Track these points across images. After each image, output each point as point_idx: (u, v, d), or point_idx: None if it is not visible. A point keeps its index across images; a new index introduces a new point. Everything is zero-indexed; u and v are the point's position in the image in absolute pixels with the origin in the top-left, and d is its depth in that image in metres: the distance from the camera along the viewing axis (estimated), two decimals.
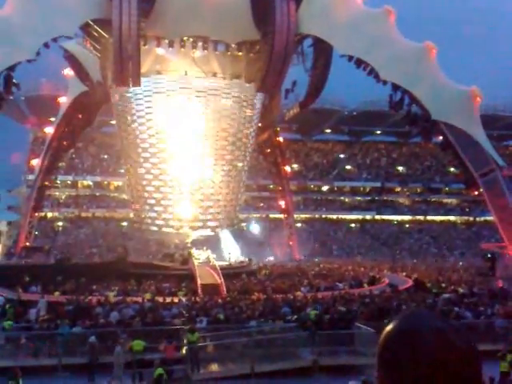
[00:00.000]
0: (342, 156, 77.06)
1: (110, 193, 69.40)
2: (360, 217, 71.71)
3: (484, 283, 33.77)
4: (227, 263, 41.77)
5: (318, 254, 58.79)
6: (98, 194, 68.72)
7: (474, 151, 31.03)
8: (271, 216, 66.38)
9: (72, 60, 39.27)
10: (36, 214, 51.31)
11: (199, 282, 31.28)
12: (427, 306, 23.18)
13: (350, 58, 30.97)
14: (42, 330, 19.75)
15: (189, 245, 40.94)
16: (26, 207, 52.44)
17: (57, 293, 28.63)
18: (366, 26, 31.40)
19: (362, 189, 74.48)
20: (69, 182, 67.69)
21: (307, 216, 69.68)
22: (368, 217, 71.97)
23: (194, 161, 37.39)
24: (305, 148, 76.75)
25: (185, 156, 37.08)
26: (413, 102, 31.00)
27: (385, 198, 73.49)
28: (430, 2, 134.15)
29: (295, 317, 20.92)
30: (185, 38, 33.62)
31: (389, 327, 1.36)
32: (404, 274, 42.33)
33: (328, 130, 75.82)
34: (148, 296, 27.17)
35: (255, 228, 45.53)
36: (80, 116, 46.38)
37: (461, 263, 54.57)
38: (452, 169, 68.21)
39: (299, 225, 63.84)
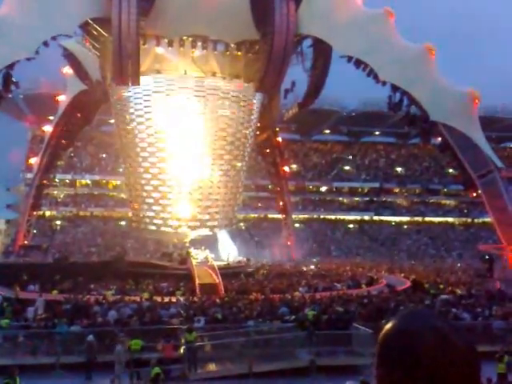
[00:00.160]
0: (340, 156, 77.10)
1: (108, 192, 69.36)
2: (358, 217, 71.72)
3: (482, 284, 33.80)
4: (225, 263, 41.80)
5: (316, 255, 58.84)
6: (96, 192, 68.66)
7: (473, 153, 31.05)
8: (269, 216, 66.43)
9: (71, 58, 39.21)
10: (34, 213, 51.28)
11: (197, 281, 31.30)
12: (425, 307, 23.19)
13: (350, 58, 30.95)
14: (40, 328, 19.74)
15: (187, 244, 40.96)
16: (24, 206, 52.39)
17: (55, 291, 28.64)
18: (365, 27, 31.39)
19: (360, 189, 74.51)
20: (67, 181, 67.64)
21: (305, 216, 69.71)
22: (366, 217, 71.99)
23: (193, 160, 37.37)
24: (303, 148, 76.77)
25: (183, 155, 37.05)
26: (412, 103, 31.02)
27: (383, 198, 73.53)
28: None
29: (293, 317, 20.93)
30: (184, 38, 33.60)
31: (388, 326, 1.36)
32: (402, 274, 42.38)
33: (327, 131, 75.85)
34: (146, 295, 27.19)
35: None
36: (79, 115, 46.34)
37: (459, 264, 54.67)
38: (450, 170, 68.23)
39: (297, 225, 63.88)
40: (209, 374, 17.41)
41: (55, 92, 50.16)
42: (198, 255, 40.30)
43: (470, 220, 72.10)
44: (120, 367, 16.14)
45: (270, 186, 61.03)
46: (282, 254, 54.29)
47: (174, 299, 26.42)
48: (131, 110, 37.16)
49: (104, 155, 69.60)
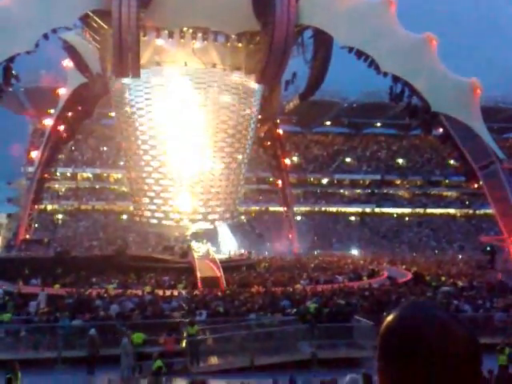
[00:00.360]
0: (341, 148, 76.96)
1: (109, 185, 69.36)
2: (360, 210, 71.72)
3: (483, 276, 33.77)
4: (227, 256, 41.80)
5: (318, 247, 58.85)
6: (97, 186, 68.70)
7: (474, 144, 30.94)
8: (271, 209, 66.41)
9: (71, 51, 39.08)
10: (36, 207, 51.26)
11: (199, 275, 31.29)
12: (426, 299, 23.17)
13: (351, 49, 30.79)
14: (42, 322, 19.75)
15: (188, 238, 40.96)
16: (25, 199, 52.37)
17: (57, 285, 28.65)
18: (366, 17, 31.22)
19: (361, 181, 74.46)
20: (68, 175, 67.65)
21: (307, 209, 69.73)
22: (368, 210, 71.97)
23: (194, 153, 37.29)
24: (304, 140, 76.64)
25: (184, 148, 36.97)
26: (413, 94, 30.87)
27: (384, 190, 73.49)
28: None
29: (294, 310, 20.91)
30: (184, 29, 33.46)
31: (390, 318, 1.35)
32: (403, 267, 42.40)
33: (328, 123, 75.64)
34: (148, 289, 27.18)
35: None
36: (79, 108, 46.21)
37: (460, 256, 54.67)
38: (452, 161, 68.20)
39: (299, 218, 63.86)
40: (211, 368, 17.42)
41: (55, 85, 50.11)
42: (199, 248, 40.27)
43: (471, 211, 72.05)
44: (128, 359, 16.08)
45: (271, 179, 61.02)
46: (284, 247, 54.30)
47: (175, 293, 26.41)
48: (132, 103, 37.08)
49: (105, 148, 69.56)
